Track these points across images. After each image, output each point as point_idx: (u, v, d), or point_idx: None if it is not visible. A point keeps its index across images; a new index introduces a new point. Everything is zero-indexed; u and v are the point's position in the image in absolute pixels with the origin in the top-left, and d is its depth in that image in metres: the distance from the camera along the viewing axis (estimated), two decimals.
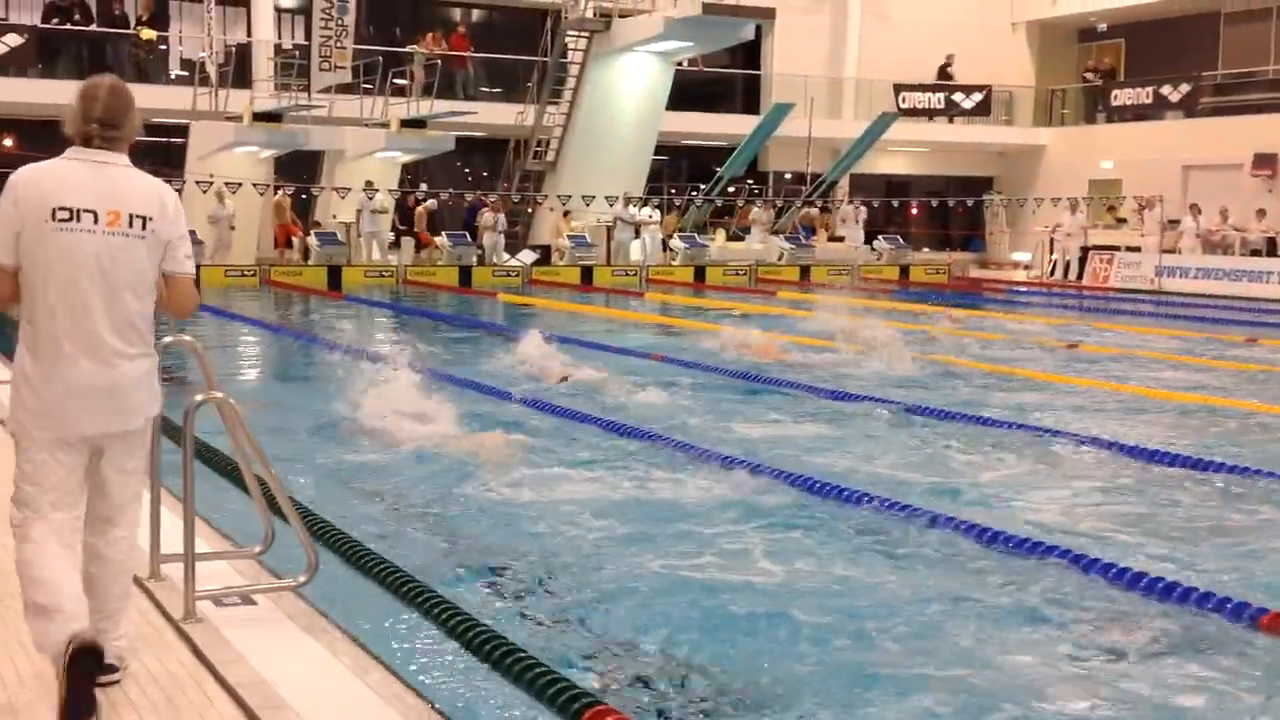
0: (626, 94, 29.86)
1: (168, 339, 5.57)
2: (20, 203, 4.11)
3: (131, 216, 4.15)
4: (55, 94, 27.85)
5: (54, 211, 4.09)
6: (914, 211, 37.49)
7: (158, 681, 4.35)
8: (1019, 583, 6.40)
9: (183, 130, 27.67)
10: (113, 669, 4.29)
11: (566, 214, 29.08)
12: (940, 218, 38.09)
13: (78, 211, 4.10)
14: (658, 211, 30.79)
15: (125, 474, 4.31)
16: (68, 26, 28.44)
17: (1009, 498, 8.31)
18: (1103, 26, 38.41)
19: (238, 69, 27.69)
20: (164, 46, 30.21)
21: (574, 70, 30.02)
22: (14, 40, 27.00)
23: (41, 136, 29.12)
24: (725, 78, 37.27)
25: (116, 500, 4.30)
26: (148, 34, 28.91)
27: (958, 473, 9.09)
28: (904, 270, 31.08)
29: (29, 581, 4.10)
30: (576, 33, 29.73)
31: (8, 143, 29.16)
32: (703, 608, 6.01)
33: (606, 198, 28.77)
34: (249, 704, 4.14)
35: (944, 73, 36.81)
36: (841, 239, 33.22)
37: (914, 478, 8.79)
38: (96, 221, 4.11)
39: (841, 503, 7.87)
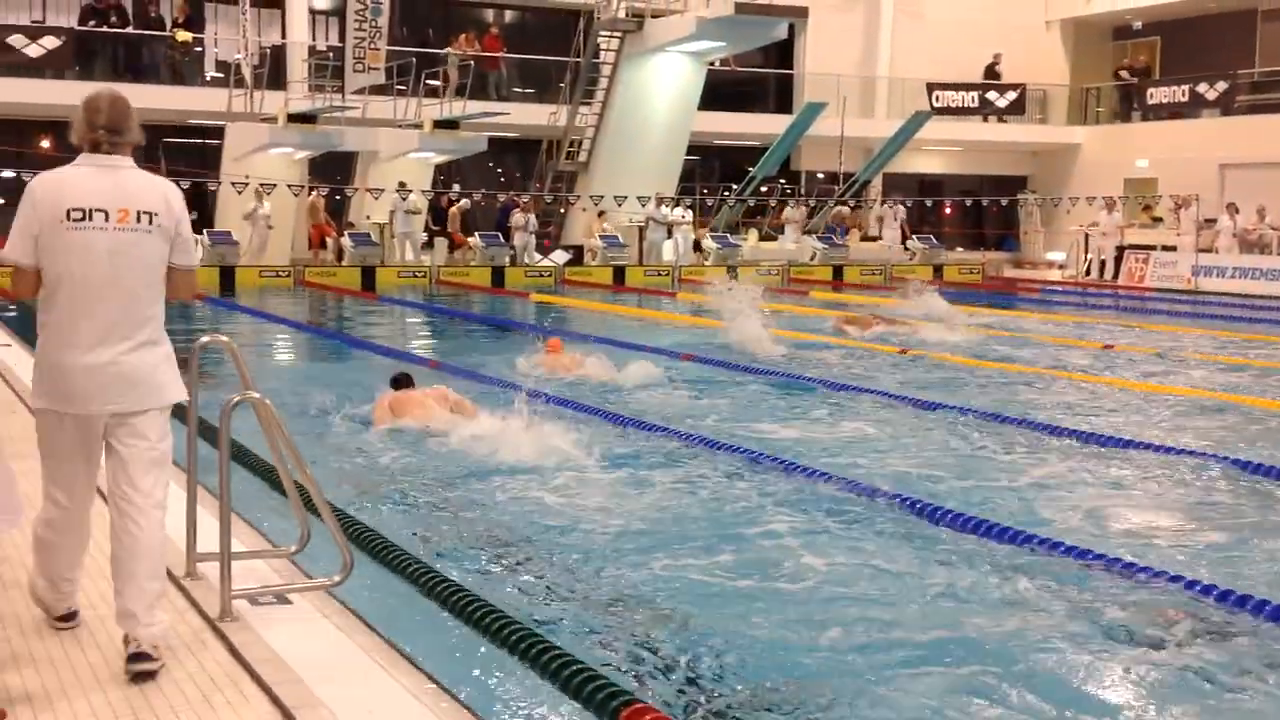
0: (659, 94, 29.85)
1: (204, 338, 5.59)
2: (38, 206, 4.48)
3: (139, 213, 4.52)
4: None
5: (68, 212, 4.45)
6: (947, 211, 37.34)
7: (194, 680, 4.38)
8: (1056, 586, 6.36)
9: (218, 132, 27.86)
10: (149, 658, 4.39)
11: (601, 214, 29.11)
12: (974, 217, 37.92)
13: (90, 211, 4.46)
14: (690, 211, 30.77)
15: (142, 452, 4.56)
16: (104, 29, 28.67)
17: (1042, 499, 8.25)
18: (1138, 24, 38.15)
19: (272, 70, 27.83)
20: (199, 48, 30.42)
21: (606, 70, 30.04)
22: (51, 42, 27.24)
23: None
24: (758, 77, 37.22)
25: (136, 479, 4.54)
26: (183, 36, 29.12)
27: (989, 474, 9.04)
28: (937, 270, 30.93)
29: (40, 545, 4.69)
30: (609, 33, 29.73)
31: (45, 144, 29.43)
32: (736, 606, 6.01)
33: (639, 198, 28.78)
34: (285, 703, 4.16)
35: (991, 71, 36.65)
36: (876, 239, 33.12)
37: (944, 478, 8.75)
38: (108, 220, 4.48)
39: (872, 502, 7.84)
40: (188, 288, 4.73)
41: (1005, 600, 6.15)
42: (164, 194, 4.60)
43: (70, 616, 4.83)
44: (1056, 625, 5.80)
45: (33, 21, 29.41)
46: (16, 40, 27.03)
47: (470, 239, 28.87)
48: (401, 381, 10.58)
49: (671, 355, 14.75)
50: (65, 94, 27.57)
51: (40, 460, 4.63)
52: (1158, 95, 35.36)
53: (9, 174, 23.96)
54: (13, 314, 17.56)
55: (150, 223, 4.52)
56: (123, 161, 4.59)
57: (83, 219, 4.44)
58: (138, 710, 4.12)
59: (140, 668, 4.37)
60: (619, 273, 27.93)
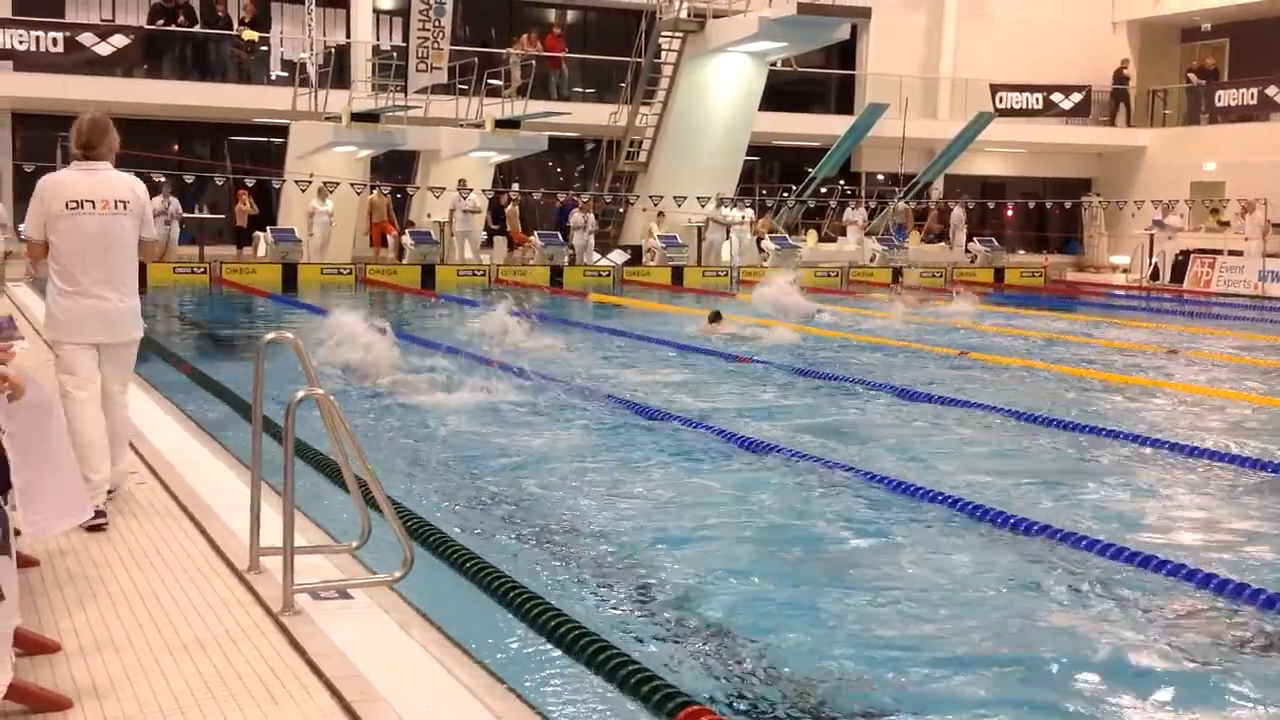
0: (719, 94, 29.81)
1: (270, 335, 5.69)
2: (45, 200, 6.32)
3: (115, 201, 6.37)
4: (160, 94, 28.60)
5: (67, 203, 6.28)
6: (1009, 213, 37.03)
7: (256, 671, 4.43)
8: (1127, 593, 6.29)
9: (283, 130, 28.14)
10: (111, 490, 6.47)
11: (660, 215, 29.11)
12: (1037, 220, 37.58)
13: (82, 202, 6.29)
14: (750, 211, 30.67)
15: (119, 370, 6.59)
16: (172, 28, 29.06)
17: (1106, 506, 8.16)
18: (1207, 26, 37.63)
19: (337, 70, 28.09)
20: (265, 48, 30.75)
21: (667, 71, 30.04)
22: (120, 41, 27.65)
23: (146, 135, 29.84)
24: (819, 78, 37.08)
25: (114, 384, 6.56)
26: (249, 35, 29.46)
27: (1052, 480, 8.94)
28: (998, 273, 30.67)
29: (78, 441, 5.92)
30: (670, 33, 29.74)
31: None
32: (794, 608, 5.98)
33: (698, 198, 28.76)
34: (346, 697, 4.19)
35: (1120, 76, 36.35)
36: (937, 241, 32.90)
37: (1007, 484, 8.67)
38: (94, 207, 6.31)
39: (932, 505, 7.79)
40: (151, 253, 6.80)
41: (1071, 605, 6.09)
42: (131, 187, 6.48)
43: (98, 515, 6.00)
44: (1120, 633, 5.74)
45: (103, 20, 29.86)
46: (87, 38, 27.47)
47: (530, 238, 28.99)
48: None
49: (728, 357, 14.72)
50: (134, 92, 28.10)
51: (61, 374, 6.32)
52: (1226, 97, 34.88)
53: None
54: None
55: (124, 208, 6.38)
56: (101, 166, 6.40)
57: (77, 207, 6.27)
58: (200, 700, 4.17)
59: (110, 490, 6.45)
60: (677, 273, 27.92)
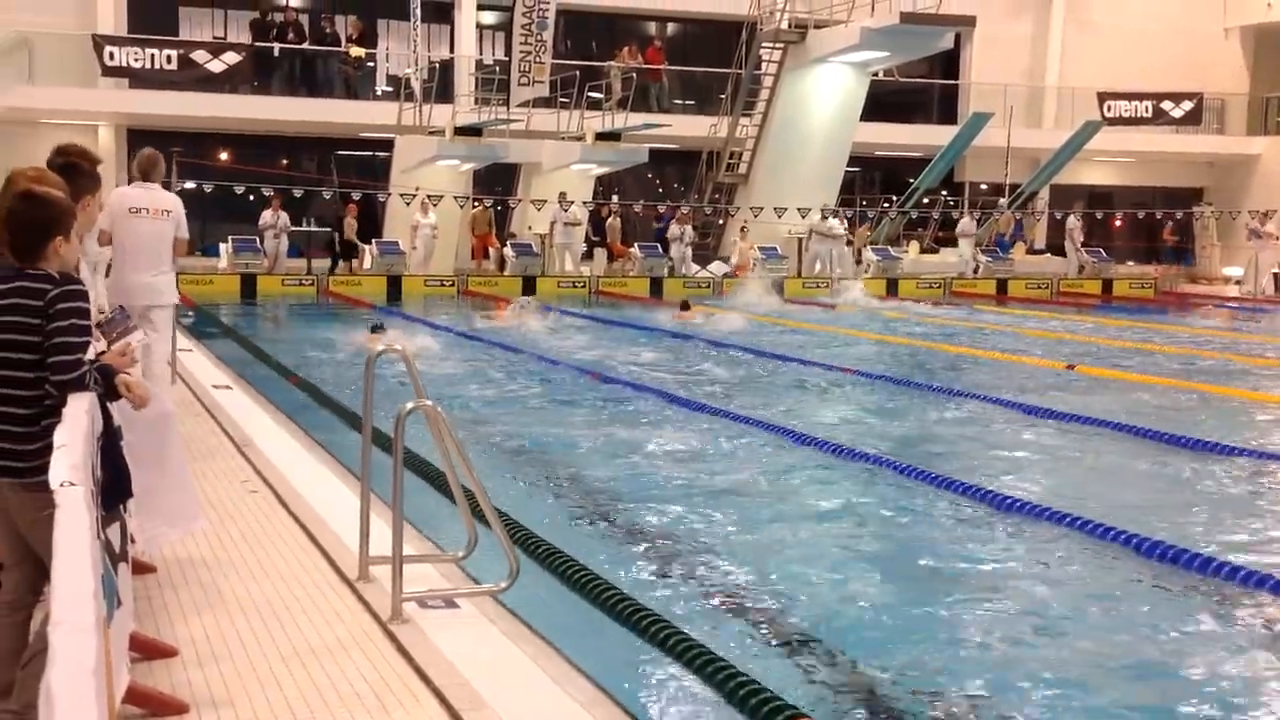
0: (820, 105, 29.64)
1: (380, 347, 5.78)
2: (113, 205, 8.88)
3: (162, 210, 8.97)
4: (269, 110, 29.13)
5: (129, 209, 8.92)
6: (1118, 223, 36.34)
7: (366, 679, 4.49)
8: (1244, 616, 6.14)
9: (388, 144, 28.56)
10: None
11: (743, 230, 28.98)
12: (1147, 230, 36.85)
13: (139, 209, 8.90)
14: (845, 223, 30.26)
15: (158, 324, 9.06)
16: (281, 45, 29.63)
17: (1221, 523, 7.97)
18: None
19: (441, 84, 28.42)
20: (372, 64, 31.23)
21: (768, 82, 29.92)
22: (232, 58, 28.25)
23: (255, 149, 30.43)
24: (921, 87, 36.73)
25: (154, 340, 8.72)
26: (356, 52, 29.95)
27: (1160, 496, 8.76)
28: (1106, 285, 30.09)
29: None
30: (771, 44, 29.64)
31: (224, 156, 30.50)
32: (910, 622, 5.93)
33: (798, 209, 28.61)
34: (454, 705, 4.23)
35: None
36: (1042, 252, 32.35)
37: (1116, 498, 8.51)
38: (148, 213, 8.91)
39: (1039, 521, 7.66)
40: (184, 247, 9.27)
41: (1191, 628, 5.96)
42: (174, 201, 9.15)
43: None
44: (1242, 655, 5.60)
45: (215, 38, 30.55)
46: (200, 56, 28.12)
47: (630, 249, 29.06)
48: (377, 328, 16.02)
49: (830, 368, 14.62)
50: (244, 108, 28.72)
51: None
52: None
53: (190, 185, 24.90)
54: (190, 319, 18.25)
55: (167, 216, 8.97)
56: (154, 186, 9.05)
57: (136, 213, 8.89)
58: (314, 707, 4.24)
59: None
60: (777, 285, 27.75)
